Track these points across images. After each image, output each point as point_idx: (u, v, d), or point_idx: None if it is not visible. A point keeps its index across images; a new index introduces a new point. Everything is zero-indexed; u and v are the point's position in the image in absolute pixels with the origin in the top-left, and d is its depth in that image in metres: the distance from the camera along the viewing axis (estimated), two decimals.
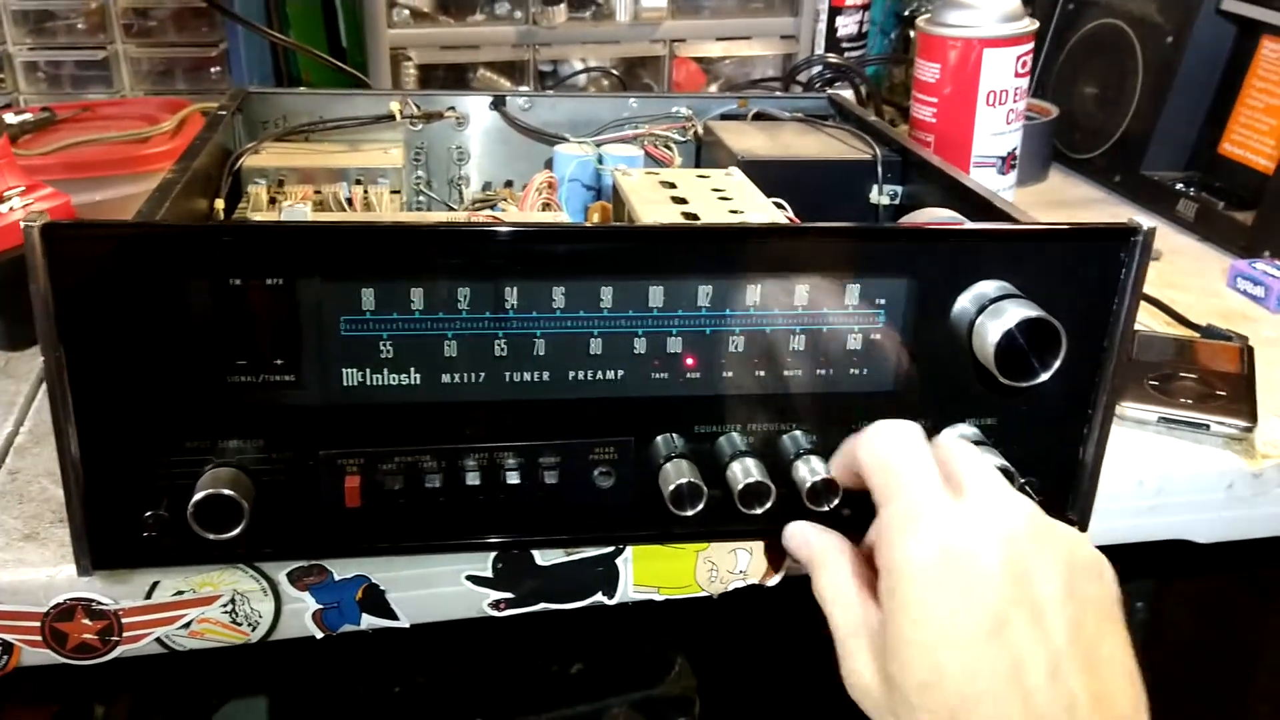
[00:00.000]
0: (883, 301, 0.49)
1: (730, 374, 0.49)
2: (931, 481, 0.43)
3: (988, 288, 0.49)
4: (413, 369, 0.47)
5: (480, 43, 1.14)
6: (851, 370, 0.50)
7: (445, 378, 0.47)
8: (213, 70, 1.14)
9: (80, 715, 0.67)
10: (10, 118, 0.84)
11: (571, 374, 0.48)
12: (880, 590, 0.42)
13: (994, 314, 0.48)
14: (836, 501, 0.49)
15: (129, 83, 1.12)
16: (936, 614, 0.39)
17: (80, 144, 0.83)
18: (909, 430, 0.45)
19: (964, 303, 0.49)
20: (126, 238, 0.43)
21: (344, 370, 0.46)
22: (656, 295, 0.47)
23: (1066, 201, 1.03)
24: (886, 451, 0.44)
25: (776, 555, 0.57)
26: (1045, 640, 0.39)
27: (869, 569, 0.45)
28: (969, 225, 0.55)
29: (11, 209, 0.69)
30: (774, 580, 0.57)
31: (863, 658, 0.42)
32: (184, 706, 0.70)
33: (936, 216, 0.60)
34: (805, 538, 0.50)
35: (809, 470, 0.49)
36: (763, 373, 0.49)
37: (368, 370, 0.46)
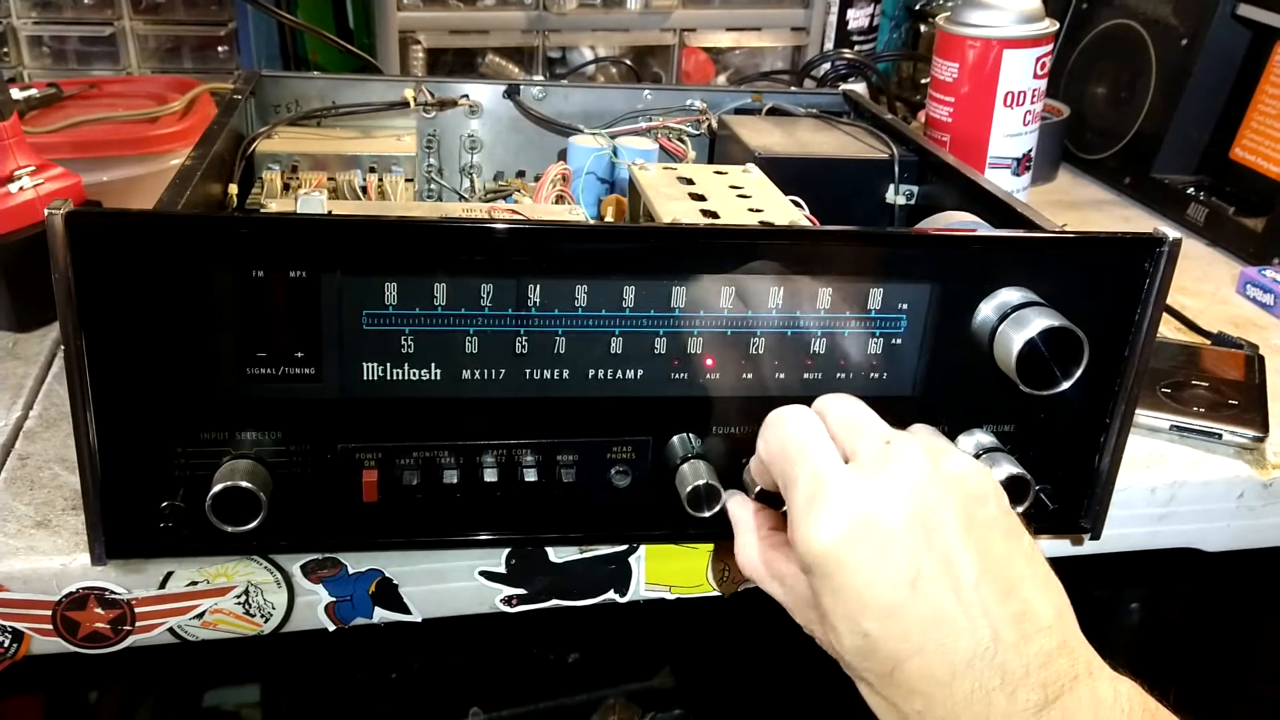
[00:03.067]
0: (905, 306, 0.49)
1: (750, 376, 0.49)
2: (828, 458, 0.43)
3: (1011, 295, 0.48)
4: (433, 364, 0.46)
5: (490, 27, 1.13)
6: (871, 374, 0.50)
7: (465, 373, 0.47)
8: (220, 49, 1.13)
9: (75, 703, 0.66)
10: (16, 93, 0.83)
11: (591, 372, 0.48)
12: (801, 568, 0.42)
13: (1016, 323, 0.47)
14: None
15: (136, 60, 1.11)
16: (854, 584, 0.40)
17: (88, 122, 0.82)
18: (799, 415, 0.45)
19: (986, 310, 0.49)
20: (150, 227, 0.42)
21: (364, 364, 0.46)
22: (678, 295, 0.47)
23: (1076, 203, 1.03)
24: (781, 442, 0.45)
25: None
26: (957, 582, 0.39)
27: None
28: (994, 232, 0.54)
29: (21, 188, 0.68)
30: None
31: (814, 627, 0.44)
32: (178, 692, 0.70)
33: (955, 220, 0.60)
34: (731, 509, 0.50)
35: None
36: (782, 375, 0.49)
37: (388, 364, 0.46)
